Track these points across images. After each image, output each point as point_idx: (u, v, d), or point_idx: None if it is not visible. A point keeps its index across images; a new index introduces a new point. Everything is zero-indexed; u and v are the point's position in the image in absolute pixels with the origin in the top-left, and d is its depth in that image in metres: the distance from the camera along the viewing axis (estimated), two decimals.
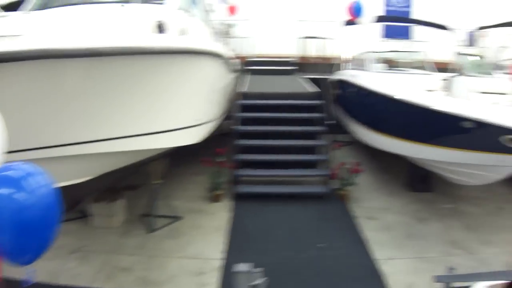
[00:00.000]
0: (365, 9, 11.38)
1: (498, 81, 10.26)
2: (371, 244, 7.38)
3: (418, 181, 9.89)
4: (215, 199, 8.91)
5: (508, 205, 9.29)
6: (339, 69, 12.95)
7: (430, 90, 9.77)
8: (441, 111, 7.39)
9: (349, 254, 7.12)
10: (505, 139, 6.63)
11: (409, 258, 7.02)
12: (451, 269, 4.25)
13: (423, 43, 12.96)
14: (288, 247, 7.25)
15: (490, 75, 10.59)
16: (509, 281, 4.32)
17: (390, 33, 15.81)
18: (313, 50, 16.03)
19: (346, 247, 7.34)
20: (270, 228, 7.90)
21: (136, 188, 8.68)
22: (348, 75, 11.69)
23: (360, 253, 7.15)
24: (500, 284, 4.19)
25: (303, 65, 15.57)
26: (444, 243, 7.56)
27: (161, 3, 6.87)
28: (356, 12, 11.40)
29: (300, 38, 16.17)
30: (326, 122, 10.42)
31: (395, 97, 8.45)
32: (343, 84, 11.97)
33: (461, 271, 4.42)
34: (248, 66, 14.84)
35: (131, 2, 6.14)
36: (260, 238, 7.54)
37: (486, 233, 8.01)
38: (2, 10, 5.15)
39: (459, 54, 11.16)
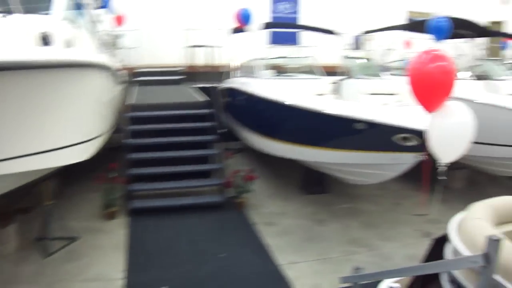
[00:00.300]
0: (253, 16, 11.36)
1: (386, 82, 10.57)
2: (273, 250, 7.32)
3: (313, 183, 9.97)
4: (110, 216, 8.52)
5: (404, 200, 9.61)
6: (228, 77, 12.83)
7: (320, 94, 9.87)
8: (333, 114, 7.48)
9: (253, 261, 7.01)
10: (398, 138, 6.82)
11: (312, 260, 7.03)
12: (357, 268, 4.23)
13: (311, 48, 13.18)
14: (190, 260, 7.02)
15: (378, 77, 10.88)
16: (415, 276, 4.39)
17: (277, 39, 15.97)
18: (202, 58, 15.91)
19: (249, 255, 7.23)
20: (170, 242, 7.63)
21: (28, 211, 8.15)
22: (238, 82, 11.60)
23: (263, 259, 7.06)
24: (406, 279, 4.24)
25: (192, 74, 15.37)
26: (345, 242, 7.66)
27: (45, 14, 6.55)
28: (244, 19, 11.34)
29: (188, 47, 16.01)
30: (217, 131, 10.33)
31: (286, 102, 8.47)
32: (233, 92, 11.87)
33: (365, 268, 4.42)
34: (136, 77, 14.47)
35: (13, 13, 5.78)
36: (160, 253, 7.25)
37: (385, 229, 8.23)
38: None
39: (347, 57, 11.40)
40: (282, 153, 9.29)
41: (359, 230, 8.15)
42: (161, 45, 15.85)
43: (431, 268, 3.45)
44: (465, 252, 3.36)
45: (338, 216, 8.75)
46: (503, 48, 19.62)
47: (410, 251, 7.28)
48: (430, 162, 4.26)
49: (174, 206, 8.94)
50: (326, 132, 7.94)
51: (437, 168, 4.39)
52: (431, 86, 3.96)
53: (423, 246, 7.28)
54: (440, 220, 7.97)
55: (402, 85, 10.18)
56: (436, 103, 4.06)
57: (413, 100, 6.90)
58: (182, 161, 9.76)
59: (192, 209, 8.91)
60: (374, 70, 11.21)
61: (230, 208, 9.00)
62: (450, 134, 4.25)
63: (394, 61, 13.60)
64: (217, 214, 8.79)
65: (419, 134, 6.61)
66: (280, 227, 8.28)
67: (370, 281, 4.24)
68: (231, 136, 12.18)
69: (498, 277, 3.02)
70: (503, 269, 3.02)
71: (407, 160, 7.23)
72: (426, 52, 3.97)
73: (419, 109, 7.39)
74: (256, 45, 12.61)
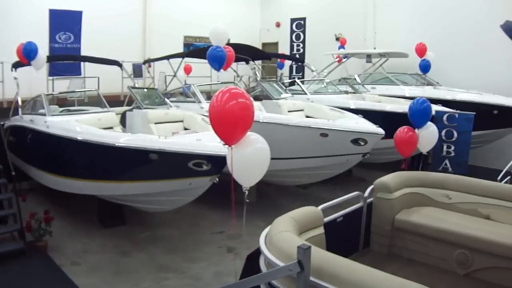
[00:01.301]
0: (37, 49, 10.83)
1: (171, 110, 10.84)
2: None
3: (110, 216, 9.90)
4: None
5: (201, 221, 10.09)
6: (13, 115, 12.06)
7: (109, 127, 9.90)
8: (126, 146, 7.67)
9: None
10: (191, 164, 7.25)
11: None
12: None
13: (93, 79, 13.04)
14: None
15: (163, 105, 11.06)
16: None
17: (59, 70, 15.41)
18: None
19: None
20: None
21: None
22: (23, 120, 10.99)
23: None
24: None
25: None
26: (154, 270, 7.84)
27: None
28: (27, 53, 10.77)
29: None
30: (7, 172, 9.74)
31: (75, 138, 8.48)
32: (19, 130, 11.22)
33: None
34: None
35: None
36: None
37: (189, 251, 8.57)
38: None
39: (132, 87, 11.54)
40: (77, 190, 9.22)
41: (164, 256, 8.36)
42: None
43: (253, 282, 3.83)
44: (278, 262, 3.86)
45: (141, 246, 8.86)
46: (280, 67, 21.37)
47: (218, 268, 7.75)
48: (234, 185, 4.67)
49: None
50: (120, 165, 8.09)
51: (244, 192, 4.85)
52: (231, 123, 4.37)
53: (229, 261, 7.86)
54: (239, 235, 8.51)
55: (186, 111, 10.69)
56: (237, 136, 4.49)
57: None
58: None
59: None
60: (158, 98, 11.43)
61: (33, 253, 8.51)
62: (250, 162, 4.70)
63: (177, 88, 14.09)
64: (21, 262, 8.25)
65: (211, 159, 7.13)
66: (87, 265, 8.14)
67: None
68: (21, 177, 11.53)
69: (312, 279, 3.57)
70: (315, 271, 3.58)
71: (203, 183, 7.71)
72: (224, 91, 4.38)
73: (207, 134, 7.94)
74: (40, 79, 12.23)
